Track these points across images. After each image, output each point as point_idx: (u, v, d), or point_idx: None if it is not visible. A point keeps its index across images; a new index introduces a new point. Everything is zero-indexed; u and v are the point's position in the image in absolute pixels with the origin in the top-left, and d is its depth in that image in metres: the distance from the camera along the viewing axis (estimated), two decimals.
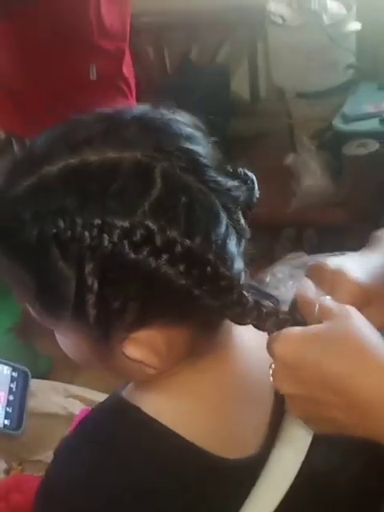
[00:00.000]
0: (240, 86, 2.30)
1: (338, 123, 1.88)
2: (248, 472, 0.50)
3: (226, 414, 0.52)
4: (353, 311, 0.45)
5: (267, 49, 2.08)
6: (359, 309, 0.46)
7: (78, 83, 1.36)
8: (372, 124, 1.84)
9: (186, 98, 2.30)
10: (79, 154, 0.43)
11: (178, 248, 0.42)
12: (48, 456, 1.02)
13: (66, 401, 1.11)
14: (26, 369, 1.10)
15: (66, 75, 1.35)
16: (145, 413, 0.50)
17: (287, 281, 1.57)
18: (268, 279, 1.60)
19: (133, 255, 0.41)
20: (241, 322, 0.47)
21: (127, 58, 1.50)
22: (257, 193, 0.49)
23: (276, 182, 1.98)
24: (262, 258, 1.93)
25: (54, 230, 0.42)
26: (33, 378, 1.09)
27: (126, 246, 0.41)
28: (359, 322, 0.44)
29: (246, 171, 0.49)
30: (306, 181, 1.91)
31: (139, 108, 0.48)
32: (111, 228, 0.41)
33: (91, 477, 0.49)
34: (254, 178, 0.49)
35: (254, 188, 0.49)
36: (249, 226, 0.48)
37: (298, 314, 0.48)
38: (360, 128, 1.85)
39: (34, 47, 1.31)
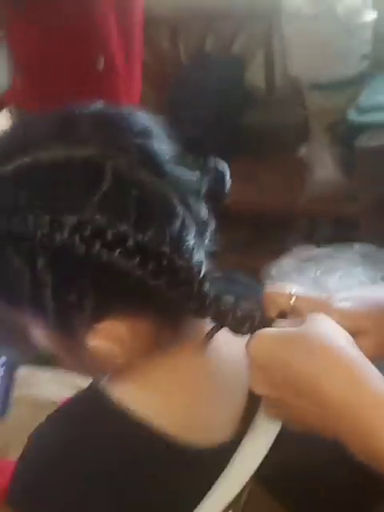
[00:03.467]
0: (255, 76, 2.28)
1: (352, 115, 1.86)
2: (217, 459, 0.51)
3: (198, 405, 0.53)
4: (323, 316, 0.45)
5: (282, 39, 2.07)
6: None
7: (86, 72, 1.41)
8: None
9: (200, 89, 2.31)
10: (31, 153, 0.44)
11: (130, 241, 0.42)
12: None
13: (66, 391, 1.12)
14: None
15: (77, 63, 1.39)
16: (116, 402, 0.51)
17: (292, 274, 1.57)
18: (274, 271, 1.60)
19: (84, 250, 0.42)
20: (200, 315, 0.47)
21: (135, 49, 1.54)
22: (227, 183, 0.50)
23: (289, 173, 1.97)
24: (271, 249, 1.93)
25: (8, 228, 0.43)
26: (39, 364, 1.11)
27: (77, 241, 0.42)
28: (328, 325, 0.45)
29: (216, 162, 0.50)
30: (319, 173, 1.90)
31: (94, 105, 0.49)
32: (61, 224, 0.42)
33: (58, 462, 0.51)
34: (225, 169, 0.50)
35: (222, 179, 0.50)
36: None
37: (259, 312, 0.48)
38: (374, 119, 1.83)
39: (52, 33, 1.36)
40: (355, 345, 0.45)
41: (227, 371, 0.54)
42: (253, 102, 2.26)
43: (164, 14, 2.24)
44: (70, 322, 0.46)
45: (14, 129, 0.49)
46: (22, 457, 0.53)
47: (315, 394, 0.43)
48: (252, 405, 0.53)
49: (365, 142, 1.78)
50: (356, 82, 1.94)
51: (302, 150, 2.00)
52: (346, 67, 1.91)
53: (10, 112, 2.52)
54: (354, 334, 0.47)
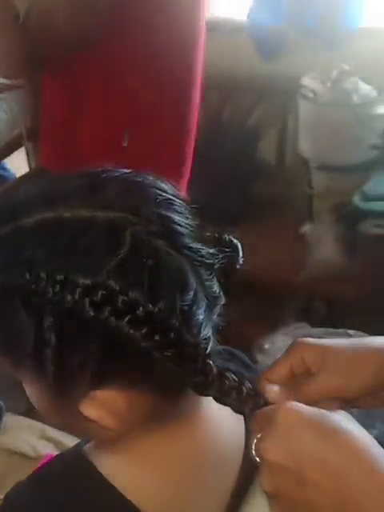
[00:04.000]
0: (267, 150, 2.34)
1: (357, 200, 1.91)
2: None
3: (184, 485, 0.51)
4: (346, 414, 0.45)
5: (296, 119, 2.13)
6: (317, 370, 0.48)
7: (109, 147, 1.19)
8: None
9: (214, 154, 2.36)
10: (55, 209, 0.44)
11: (140, 310, 0.42)
12: None
13: (38, 442, 1.09)
14: (1, 402, 1.09)
15: (101, 134, 1.20)
16: (99, 472, 0.50)
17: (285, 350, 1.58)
18: (267, 346, 1.60)
19: (93, 314, 0.42)
20: (202, 392, 0.47)
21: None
22: (239, 260, 0.50)
23: (290, 249, 2.00)
24: (267, 323, 1.93)
25: (19, 281, 0.43)
26: (15, 413, 1.09)
27: (87, 305, 0.42)
28: (356, 425, 0.44)
29: (231, 238, 0.50)
30: (320, 252, 1.93)
31: (121, 171, 0.49)
32: (73, 285, 0.42)
33: None
34: (239, 246, 0.50)
35: (236, 256, 0.50)
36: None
37: (261, 397, 0.48)
38: (378, 208, 1.87)
39: (82, 96, 1.18)
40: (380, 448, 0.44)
41: (220, 446, 0.53)
42: (262, 175, 2.31)
43: None
44: (67, 385, 0.45)
45: (40, 182, 0.49)
46: None
47: (341, 487, 0.41)
48: (242, 487, 0.53)
49: (368, 228, 1.82)
50: (363, 169, 2.00)
51: (306, 228, 2.03)
52: (355, 154, 1.97)
53: (27, 153, 2.56)
54: (319, 361, 0.49)
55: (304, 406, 0.45)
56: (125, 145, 1.18)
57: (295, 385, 0.50)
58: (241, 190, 2.25)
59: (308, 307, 2.00)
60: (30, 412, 1.34)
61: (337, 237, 1.94)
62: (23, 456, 1.07)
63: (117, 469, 0.50)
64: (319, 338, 0.53)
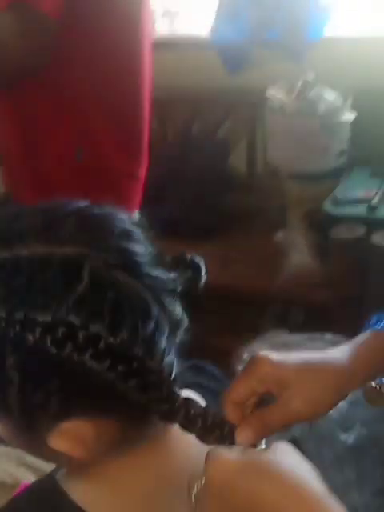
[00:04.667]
0: (238, 161, 2.37)
1: (328, 206, 1.94)
2: None
3: (155, 508, 0.52)
4: (288, 446, 0.46)
5: (265, 130, 2.17)
6: (279, 390, 0.48)
7: (64, 164, 1.23)
8: (360, 209, 1.90)
9: (185, 169, 2.38)
10: (11, 248, 0.45)
11: (102, 344, 0.42)
12: None
13: (17, 469, 1.08)
14: None
15: (55, 154, 1.23)
16: (71, 500, 0.50)
17: None
18: (246, 356, 1.61)
19: (55, 350, 0.42)
20: (169, 419, 0.47)
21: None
22: (202, 280, 0.51)
23: (265, 258, 2.02)
24: (245, 332, 1.93)
25: None
26: None
27: (48, 342, 0.42)
28: (295, 456, 0.45)
29: (193, 259, 0.51)
30: (294, 259, 1.95)
31: (78, 203, 0.49)
32: (33, 323, 0.42)
33: None
34: (201, 265, 0.51)
35: (198, 276, 0.51)
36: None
37: (226, 424, 0.48)
38: (349, 212, 1.90)
39: (33, 122, 1.20)
40: (319, 479, 0.45)
41: (190, 469, 0.52)
42: (234, 186, 2.34)
43: (154, 96, 2.34)
44: (33, 420, 0.46)
45: None
46: None
47: None
48: None
49: (340, 232, 1.85)
50: (333, 176, 2.03)
51: (279, 236, 2.05)
52: (324, 161, 2.01)
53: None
54: (278, 382, 0.49)
55: (229, 454, 0.45)
56: (78, 160, 1.21)
57: (256, 406, 0.51)
58: (213, 202, 2.27)
59: (285, 314, 2.02)
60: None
61: (310, 243, 1.97)
62: (1, 484, 1.06)
63: (88, 495, 0.51)
64: (297, 344, 0.53)
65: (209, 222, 2.20)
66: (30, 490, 0.55)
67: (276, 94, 2.00)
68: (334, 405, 0.51)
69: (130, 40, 1.23)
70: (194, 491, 0.46)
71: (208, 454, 0.47)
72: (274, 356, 0.51)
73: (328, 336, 1.65)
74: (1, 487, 1.05)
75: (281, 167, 2.10)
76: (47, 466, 1.07)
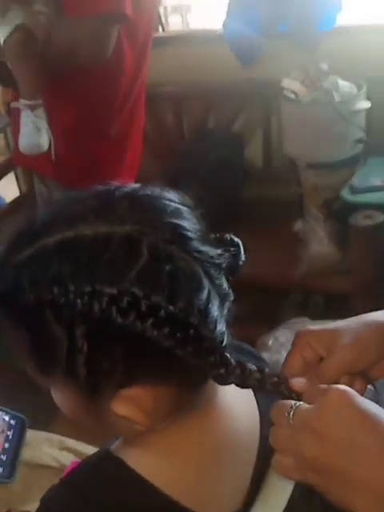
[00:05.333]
0: (254, 154, 2.39)
1: (345, 194, 1.95)
2: None
3: (208, 472, 0.55)
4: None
5: (280, 121, 2.18)
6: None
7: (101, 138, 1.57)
8: (379, 196, 1.91)
9: (202, 163, 2.40)
10: (74, 228, 0.48)
11: (162, 313, 0.46)
12: (36, 507, 1.03)
13: (59, 453, 1.11)
14: (24, 417, 1.11)
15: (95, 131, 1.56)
16: (129, 466, 0.54)
17: (288, 345, 1.61)
18: (270, 342, 1.64)
19: (120, 320, 0.46)
20: (223, 381, 0.51)
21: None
22: (242, 257, 0.54)
23: (285, 247, 2.04)
24: (267, 320, 1.97)
25: (49, 296, 0.46)
26: (30, 428, 1.10)
27: (114, 312, 0.46)
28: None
29: (233, 238, 0.54)
30: (314, 248, 1.97)
31: (130, 186, 0.53)
32: (100, 295, 0.45)
33: None
34: (240, 244, 0.55)
35: (239, 254, 0.54)
36: (240, 289, 0.53)
37: (283, 386, 0.52)
38: (367, 200, 1.92)
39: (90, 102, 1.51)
40: None
41: (237, 431, 0.56)
42: (251, 177, 2.36)
43: (169, 91, 2.37)
44: (98, 386, 0.49)
45: (56, 204, 0.54)
46: None
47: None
48: (260, 471, 0.56)
49: (358, 220, 1.86)
50: (350, 164, 2.05)
51: (297, 225, 2.07)
52: (341, 150, 2.02)
53: (16, 177, 2.60)
54: (326, 344, 0.53)
55: (355, 393, 0.48)
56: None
57: (311, 372, 0.54)
58: (231, 195, 2.29)
59: (306, 302, 2.04)
60: (47, 426, 1.38)
61: (329, 231, 1.98)
62: (47, 467, 1.09)
63: (145, 461, 0.54)
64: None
65: (227, 214, 2.22)
66: (87, 462, 0.58)
67: (290, 85, 2.01)
68: (378, 359, 0.54)
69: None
70: (291, 411, 0.48)
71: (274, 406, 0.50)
72: (317, 326, 0.55)
73: None
74: (47, 470, 1.08)
75: (297, 157, 2.11)
76: (89, 450, 1.10)
